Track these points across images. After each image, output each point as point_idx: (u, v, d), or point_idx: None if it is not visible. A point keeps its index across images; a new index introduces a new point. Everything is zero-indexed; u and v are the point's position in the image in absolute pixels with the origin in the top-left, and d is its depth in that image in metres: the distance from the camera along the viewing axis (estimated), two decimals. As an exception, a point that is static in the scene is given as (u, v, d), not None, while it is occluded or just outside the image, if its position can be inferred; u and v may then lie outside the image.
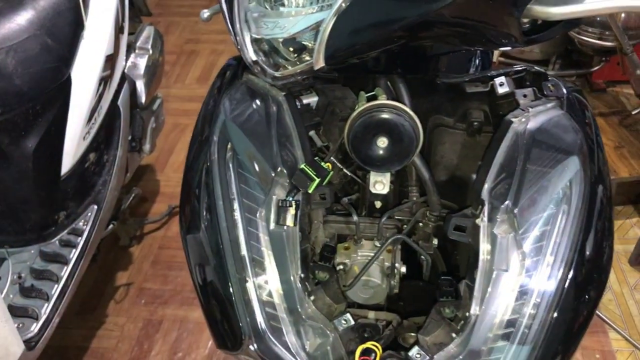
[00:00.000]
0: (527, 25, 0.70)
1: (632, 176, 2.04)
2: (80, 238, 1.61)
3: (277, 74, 0.77)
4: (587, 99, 0.86)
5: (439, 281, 0.78)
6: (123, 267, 2.01)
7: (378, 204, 0.88)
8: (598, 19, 2.23)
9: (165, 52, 2.53)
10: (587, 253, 0.75)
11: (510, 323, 0.71)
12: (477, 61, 1.24)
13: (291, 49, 0.79)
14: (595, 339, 1.74)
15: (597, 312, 1.77)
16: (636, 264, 1.92)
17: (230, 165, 0.80)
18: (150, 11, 2.16)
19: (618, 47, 2.13)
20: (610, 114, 2.36)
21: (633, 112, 2.30)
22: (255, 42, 0.80)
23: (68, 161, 1.56)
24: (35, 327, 1.42)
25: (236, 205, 0.78)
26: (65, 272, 1.54)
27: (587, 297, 0.76)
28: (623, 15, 2.21)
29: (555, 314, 0.71)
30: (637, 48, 2.19)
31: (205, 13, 1.08)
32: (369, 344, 0.75)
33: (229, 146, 0.81)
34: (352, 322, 0.76)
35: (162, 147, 2.42)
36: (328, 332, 0.75)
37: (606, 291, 1.84)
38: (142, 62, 1.92)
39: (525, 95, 0.82)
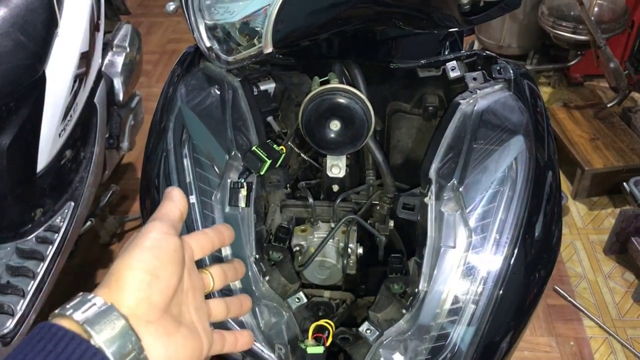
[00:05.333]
0: (467, 7, 0.72)
1: (606, 167, 2.07)
2: (57, 235, 1.61)
3: (230, 58, 0.79)
4: (536, 83, 0.88)
5: (388, 258, 0.80)
6: (103, 264, 2.02)
7: (335, 188, 0.90)
8: (572, 12, 2.27)
9: (147, 52, 2.54)
10: (536, 234, 0.77)
11: (458, 299, 0.73)
12: (445, 53, 1.27)
13: (244, 35, 0.80)
14: (570, 327, 1.76)
15: (571, 300, 1.80)
16: (610, 253, 1.95)
17: (186, 150, 0.81)
18: (129, 10, 2.17)
19: (592, 41, 2.16)
20: (586, 107, 2.39)
21: (608, 105, 2.34)
22: (210, 29, 0.82)
23: (44, 158, 1.56)
24: (10, 323, 1.42)
25: (192, 189, 0.80)
26: (42, 268, 1.54)
27: (534, 276, 0.78)
28: (596, 9, 2.24)
29: (502, 292, 0.73)
30: (610, 42, 2.22)
31: (171, 5, 1.10)
32: (322, 322, 0.76)
33: (184, 131, 0.82)
34: (305, 300, 0.78)
35: (143, 145, 2.43)
36: (282, 311, 0.77)
37: (581, 280, 1.88)
38: (120, 60, 1.93)
39: (474, 79, 0.84)
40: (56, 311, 0.41)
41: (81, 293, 0.42)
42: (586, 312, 1.78)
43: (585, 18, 2.07)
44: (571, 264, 1.96)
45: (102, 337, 0.40)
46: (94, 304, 0.41)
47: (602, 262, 1.94)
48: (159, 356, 0.43)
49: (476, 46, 2.78)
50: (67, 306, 0.41)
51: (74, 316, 0.40)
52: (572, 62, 2.55)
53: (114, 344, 0.40)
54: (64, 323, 0.40)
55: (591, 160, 2.10)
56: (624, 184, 1.96)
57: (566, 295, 1.82)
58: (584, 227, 2.07)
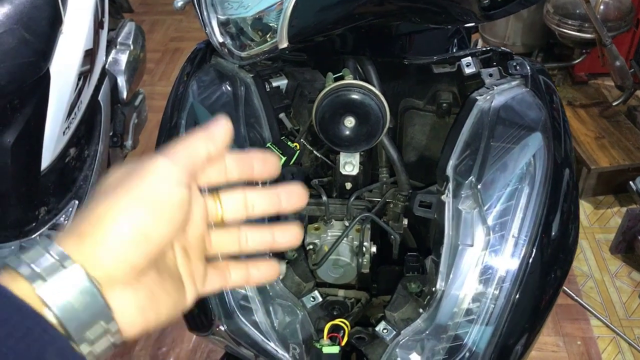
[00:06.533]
0: (487, 2, 0.71)
1: (612, 166, 2.06)
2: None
3: (243, 54, 0.78)
4: (552, 79, 0.87)
5: (405, 257, 0.79)
6: (107, 263, 2.00)
7: (348, 186, 0.89)
8: (577, 10, 2.26)
9: (150, 50, 2.52)
10: (553, 233, 0.76)
11: (476, 298, 0.72)
12: (454, 50, 1.26)
13: (258, 30, 0.79)
14: (577, 326, 1.75)
15: (578, 299, 1.79)
16: (617, 252, 1.94)
17: (199, 147, 0.80)
18: (132, 8, 2.15)
19: (597, 39, 2.15)
20: (591, 106, 2.38)
21: (614, 104, 2.33)
22: (222, 25, 0.81)
23: (48, 156, 1.55)
24: (15, 323, 1.41)
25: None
26: (46, 267, 1.53)
27: (551, 276, 0.77)
28: (602, 7, 2.23)
29: (519, 292, 0.72)
30: (616, 40, 2.21)
31: (179, 2, 1.09)
32: (337, 321, 0.75)
33: (196, 128, 0.81)
34: (320, 299, 0.77)
35: (147, 143, 2.42)
36: (297, 310, 0.76)
37: (587, 279, 1.87)
38: (123, 58, 1.92)
39: (490, 75, 0.83)
40: (7, 260, 0.31)
41: (44, 236, 0.33)
42: (593, 311, 1.77)
43: (591, 16, 2.06)
44: (577, 263, 1.95)
45: (61, 309, 0.30)
46: (56, 261, 0.31)
47: (609, 262, 1.93)
48: (134, 324, 0.35)
49: (480, 44, 2.77)
50: (22, 256, 0.31)
51: (27, 275, 0.30)
52: (576, 61, 2.53)
53: (76, 317, 0.31)
54: (13, 284, 0.30)
55: (597, 159, 2.09)
56: (630, 182, 1.95)
57: (573, 295, 1.82)
58: (590, 226, 2.07)
